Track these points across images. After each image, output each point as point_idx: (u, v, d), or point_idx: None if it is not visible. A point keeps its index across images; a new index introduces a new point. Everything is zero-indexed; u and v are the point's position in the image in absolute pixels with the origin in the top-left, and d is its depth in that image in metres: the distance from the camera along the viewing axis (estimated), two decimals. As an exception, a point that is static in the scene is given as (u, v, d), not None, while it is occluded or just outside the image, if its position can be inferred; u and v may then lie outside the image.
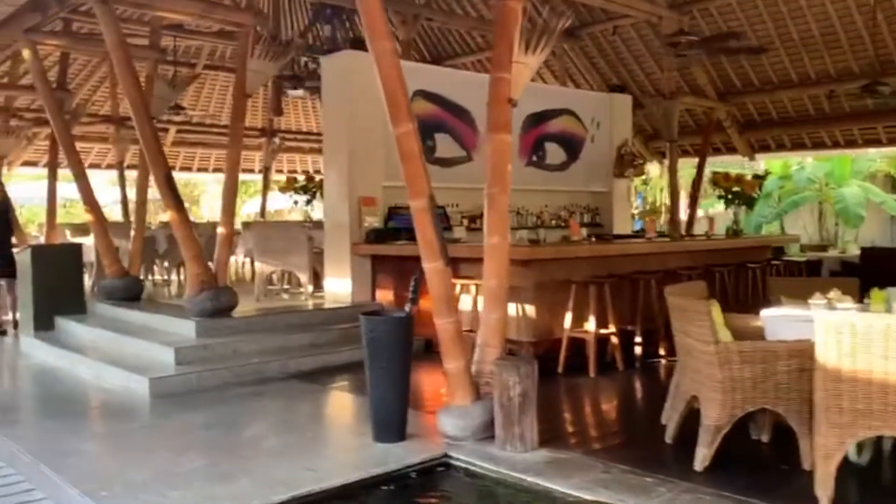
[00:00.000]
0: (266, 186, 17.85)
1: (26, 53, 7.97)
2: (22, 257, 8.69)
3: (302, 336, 7.36)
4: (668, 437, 4.40)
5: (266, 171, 17.86)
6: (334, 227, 8.48)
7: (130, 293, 8.62)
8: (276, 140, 17.76)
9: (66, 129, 8.54)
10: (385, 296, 8.29)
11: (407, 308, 4.77)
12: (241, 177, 22.05)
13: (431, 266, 4.64)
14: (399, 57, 4.74)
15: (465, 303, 6.84)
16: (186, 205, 7.90)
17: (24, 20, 7.44)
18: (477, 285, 6.61)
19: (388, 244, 8.07)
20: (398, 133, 4.56)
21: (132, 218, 10.01)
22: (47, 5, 6.31)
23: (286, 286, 9.90)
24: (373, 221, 8.36)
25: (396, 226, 8.20)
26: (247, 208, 24.39)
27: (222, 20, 7.22)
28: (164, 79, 9.14)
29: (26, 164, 17.65)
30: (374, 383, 4.67)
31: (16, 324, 9.32)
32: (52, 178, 12.15)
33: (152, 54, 8.96)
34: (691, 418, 4.19)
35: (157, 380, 6.00)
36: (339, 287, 8.44)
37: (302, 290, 9.06)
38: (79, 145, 15.16)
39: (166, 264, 11.01)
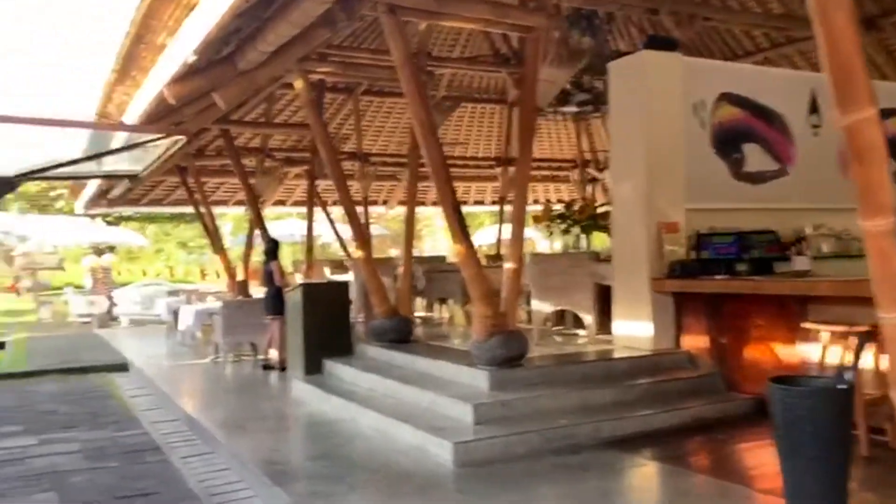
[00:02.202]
0: (502, 217, 17.07)
1: (298, 84, 7.64)
2: (293, 296, 8.33)
3: (604, 392, 6.13)
4: None
5: (502, 201, 17.10)
6: (625, 259, 7.23)
7: (401, 334, 7.94)
8: (512, 169, 16.92)
9: (338, 164, 8.10)
10: (693, 342, 6.87)
11: (847, 377, 3.34)
12: (471, 209, 21.73)
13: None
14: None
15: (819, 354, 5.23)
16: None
17: (296, 50, 7.05)
18: (865, 333, 4.98)
19: (698, 280, 6.66)
20: (851, 121, 3.15)
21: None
22: (335, 19, 5.75)
23: (557, 326, 8.78)
24: (674, 252, 7.00)
25: (711, 257, 6.76)
26: (476, 239, 23.98)
27: (512, 25, 6.31)
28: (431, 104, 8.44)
29: (276, 203, 18.41)
30: (795, 480, 3.29)
31: (283, 365, 9.03)
32: (310, 215, 12.10)
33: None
34: None
35: (461, 445, 5.04)
36: (631, 330, 7.15)
37: (582, 332, 7.91)
38: (321, 183, 15.57)
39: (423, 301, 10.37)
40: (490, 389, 5.92)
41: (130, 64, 6.17)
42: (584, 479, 4.72)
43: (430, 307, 10.48)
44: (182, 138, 5.61)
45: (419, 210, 20.88)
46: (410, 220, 8.19)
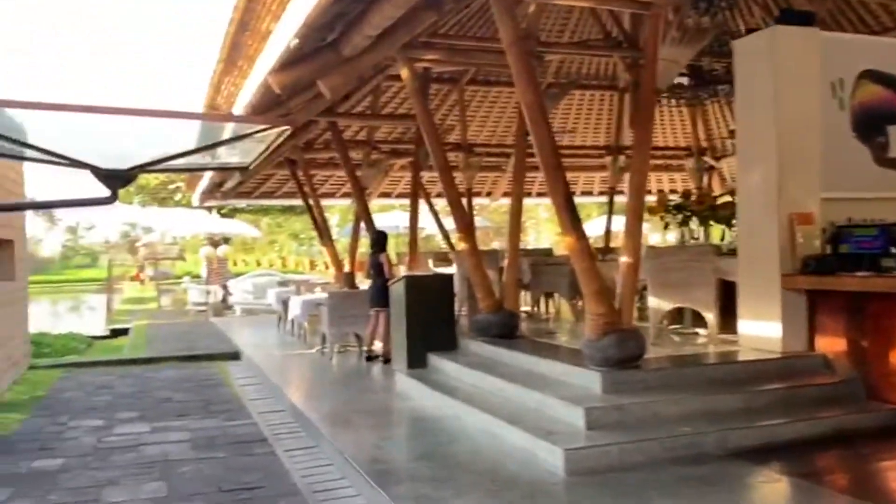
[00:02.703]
0: (612, 209, 16.45)
1: (404, 73, 7.47)
2: (396, 288, 8.21)
3: (730, 397, 5.63)
4: None
5: (612, 191, 16.46)
6: (753, 253, 6.65)
7: (506, 329, 7.66)
8: (622, 158, 16.28)
9: (443, 153, 7.89)
10: (830, 345, 6.24)
11: None
12: (578, 199, 21.14)
13: None
14: None
15: None
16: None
17: (401, 34, 6.86)
18: None
19: (837, 276, 6.02)
20: None
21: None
22: (440, 1, 5.51)
23: (674, 325, 8.25)
24: (808, 245, 6.37)
25: (851, 251, 6.10)
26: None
27: (631, 1, 5.87)
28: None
29: (381, 195, 18.51)
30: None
31: (387, 358, 8.94)
32: (415, 206, 11.98)
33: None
34: None
35: (572, 451, 4.71)
36: (758, 330, 6.57)
37: (702, 331, 7.39)
38: (425, 175, 15.46)
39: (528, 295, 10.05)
40: (603, 392, 5.55)
41: (236, 53, 6.16)
42: (709, 494, 4.30)
43: (535, 302, 10.13)
44: (287, 129, 5.47)
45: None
46: (517, 211, 7.86)
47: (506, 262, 7.89)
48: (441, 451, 5.37)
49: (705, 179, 16.40)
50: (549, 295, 10.38)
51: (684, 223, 9.95)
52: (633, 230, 5.97)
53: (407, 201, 24.03)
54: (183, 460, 5.79)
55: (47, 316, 28.13)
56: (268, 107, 6.94)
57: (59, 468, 5.64)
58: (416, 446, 5.56)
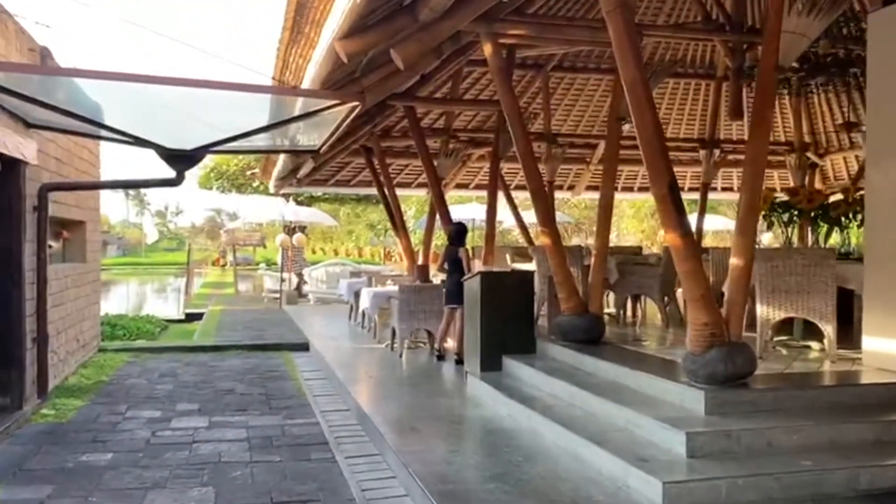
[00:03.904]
0: (704, 206, 15.40)
1: (487, 49, 6.84)
2: (471, 285, 7.61)
3: (858, 427, 4.79)
4: None
5: (705, 187, 15.41)
6: (884, 259, 5.75)
7: (590, 334, 6.97)
8: (717, 151, 15.21)
9: (528, 140, 7.21)
10: (979, 368, 5.29)
11: None
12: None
13: None
14: None
15: None
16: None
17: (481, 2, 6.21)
18: None
19: None
20: None
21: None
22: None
23: (780, 336, 7.36)
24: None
25: None
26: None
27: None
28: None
29: (458, 186, 17.96)
30: None
31: (460, 358, 8.38)
32: (493, 198, 11.37)
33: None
34: None
35: (673, 485, 4.01)
36: (889, 347, 5.67)
37: (815, 345, 6.52)
38: (503, 166, 14.79)
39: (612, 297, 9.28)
40: (707, 414, 4.80)
41: (302, 18, 5.66)
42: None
43: (621, 304, 9.35)
44: (357, 105, 4.99)
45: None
46: (608, 204, 7.12)
47: (592, 260, 7.16)
48: (516, 471, 4.74)
49: (807, 178, 15.18)
50: (635, 297, 9.57)
51: (790, 222, 9.00)
52: (747, 227, 5.16)
53: (483, 193, 23.37)
54: (236, 463, 5.35)
55: (132, 297, 28.92)
56: (339, 84, 6.43)
57: (106, 464, 5.30)
58: (489, 464, 4.95)
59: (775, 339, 7.16)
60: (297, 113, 5.63)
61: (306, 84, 6.04)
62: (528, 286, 7.46)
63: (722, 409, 4.81)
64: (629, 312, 9.70)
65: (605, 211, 7.17)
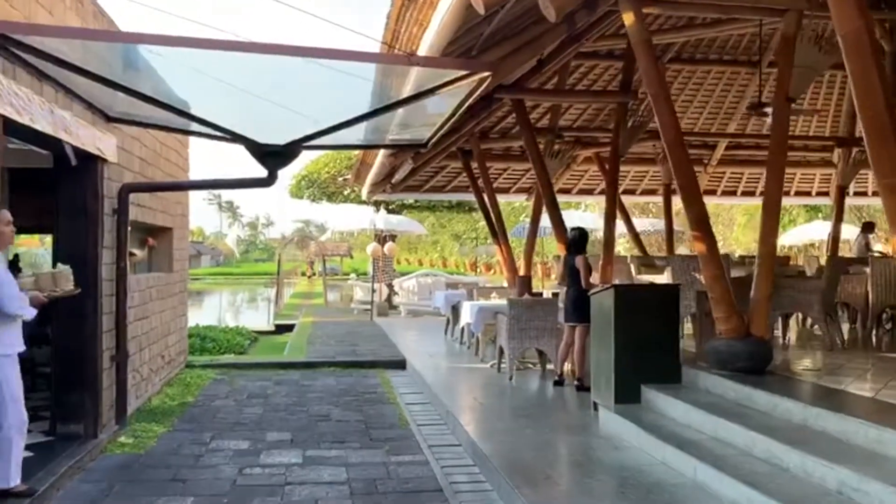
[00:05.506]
0: (841, 212, 13.69)
1: (628, 19, 5.74)
2: (601, 300, 6.48)
3: None
4: None
5: (840, 191, 13.69)
6: None
7: (756, 363, 5.73)
8: (856, 151, 13.49)
9: (676, 123, 6.03)
10: None
11: None
12: (790, 201, 18.35)
13: None
14: None
15: None
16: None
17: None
18: None
19: None
20: None
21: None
22: None
23: None
24: None
25: None
26: (786, 239, 20.33)
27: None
28: (811, 39, 5.93)
29: (559, 191, 16.78)
30: None
31: (581, 384, 7.27)
32: (612, 201, 10.18)
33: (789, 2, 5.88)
34: None
35: None
36: None
37: None
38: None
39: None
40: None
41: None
42: None
43: (780, 325, 8.00)
44: (488, 76, 4.00)
45: (711, 202, 18.10)
46: (774, 202, 5.85)
47: (755, 272, 5.90)
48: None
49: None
50: (787, 316, 8.19)
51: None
52: None
53: (583, 199, 22.00)
54: (335, 516, 4.41)
55: (223, 308, 28.99)
56: (462, 53, 5.46)
57: (184, 514, 4.45)
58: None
59: None
60: (408, 94, 4.67)
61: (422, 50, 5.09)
62: (672, 303, 6.26)
63: None
64: (777, 333, 8.32)
65: (772, 210, 5.91)
